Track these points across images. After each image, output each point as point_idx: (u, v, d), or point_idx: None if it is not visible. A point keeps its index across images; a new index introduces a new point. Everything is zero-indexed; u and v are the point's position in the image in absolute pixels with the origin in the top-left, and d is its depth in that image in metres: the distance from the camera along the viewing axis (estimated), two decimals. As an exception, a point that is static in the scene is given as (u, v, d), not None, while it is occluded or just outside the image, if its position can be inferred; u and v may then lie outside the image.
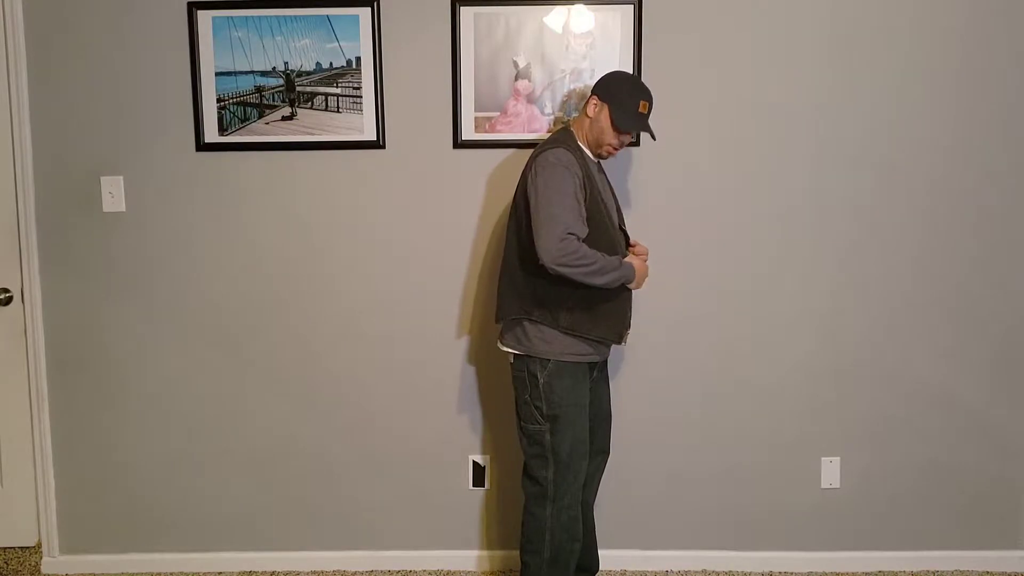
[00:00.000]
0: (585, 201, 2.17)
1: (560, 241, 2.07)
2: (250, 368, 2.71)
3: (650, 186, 2.62)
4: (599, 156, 2.29)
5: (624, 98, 2.22)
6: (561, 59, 2.56)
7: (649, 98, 2.25)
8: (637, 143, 2.58)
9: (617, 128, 2.22)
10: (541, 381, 2.23)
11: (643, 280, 2.30)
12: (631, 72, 2.47)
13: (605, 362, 2.44)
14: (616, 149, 2.27)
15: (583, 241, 2.13)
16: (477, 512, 2.78)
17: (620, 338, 2.29)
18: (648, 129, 2.26)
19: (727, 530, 2.76)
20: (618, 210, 2.36)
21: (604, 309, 2.24)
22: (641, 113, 2.23)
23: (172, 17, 2.57)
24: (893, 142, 2.60)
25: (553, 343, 2.22)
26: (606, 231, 2.22)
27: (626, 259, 2.24)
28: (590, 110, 2.24)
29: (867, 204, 2.62)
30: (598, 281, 2.14)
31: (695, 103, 2.60)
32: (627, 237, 2.37)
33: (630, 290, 2.29)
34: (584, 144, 2.27)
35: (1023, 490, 2.73)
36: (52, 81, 2.61)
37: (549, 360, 2.22)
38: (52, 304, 2.69)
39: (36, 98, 2.62)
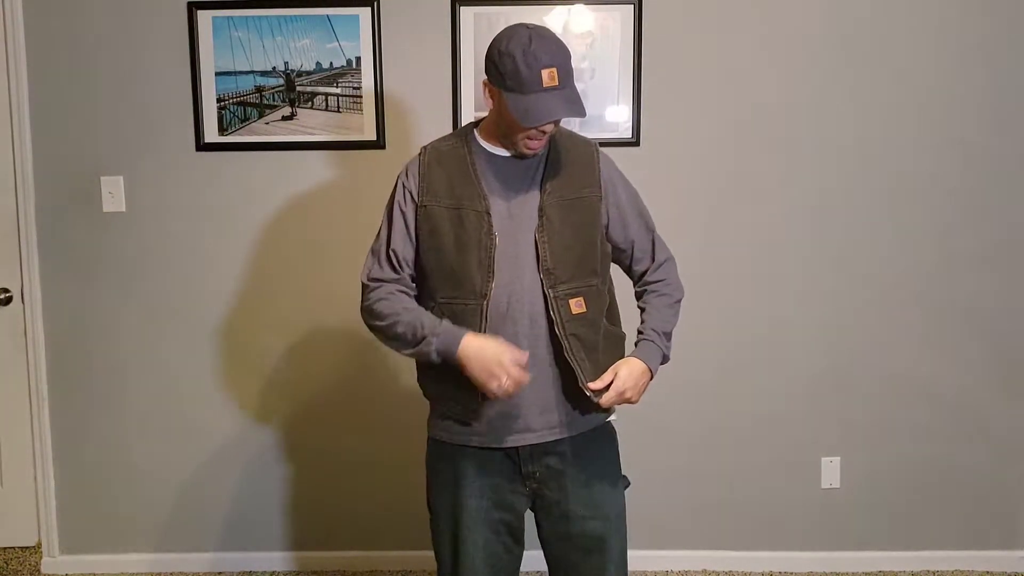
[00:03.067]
0: (416, 219, 1.68)
1: (362, 291, 1.71)
2: (250, 368, 2.71)
3: (649, 187, 2.60)
4: (521, 155, 1.67)
5: (518, 75, 1.57)
6: (561, 59, 2.55)
7: (557, 60, 1.57)
8: (637, 143, 2.58)
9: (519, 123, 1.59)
10: (424, 458, 1.80)
11: (491, 376, 1.55)
12: (536, 31, 1.61)
13: (567, 451, 1.70)
14: (537, 142, 1.64)
15: (420, 279, 1.71)
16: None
17: (474, 412, 1.65)
18: (565, 113, 1.58)
19: (727, 530, 2.76)
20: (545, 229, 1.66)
21: (445, 372, 1.64)
22: (548, 88, 1.56)
23: (172, 17, 2.57)
24: (893, 142, 2.60)
25: (431, 410, 1.77)
26: (458, 253, 1.64)
27: (466, 333, 1.59)
28: (488, 99, 1.67)
29: (868, 204, 2.62)
30: (383, 337, 1.68)
31: (695, 103, 2.60)
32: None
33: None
34: (488, 137, 1.71)
35: (1023, 490, 2.73)
36: (52, 81, 2.60)
37: (428, 434, 1.77)
38: (52, 304, 2.69)
39: (36, 98, 2.61)
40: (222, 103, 2.61)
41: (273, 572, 2.78)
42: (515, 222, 1.66)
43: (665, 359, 1.77)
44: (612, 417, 1.81)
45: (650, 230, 1.83)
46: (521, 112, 1.56)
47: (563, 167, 1.71)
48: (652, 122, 2.58)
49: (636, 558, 2.76)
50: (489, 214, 1.64)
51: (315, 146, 2.62)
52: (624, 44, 2.55)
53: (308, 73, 2.59)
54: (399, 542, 2.78)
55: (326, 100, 2.60)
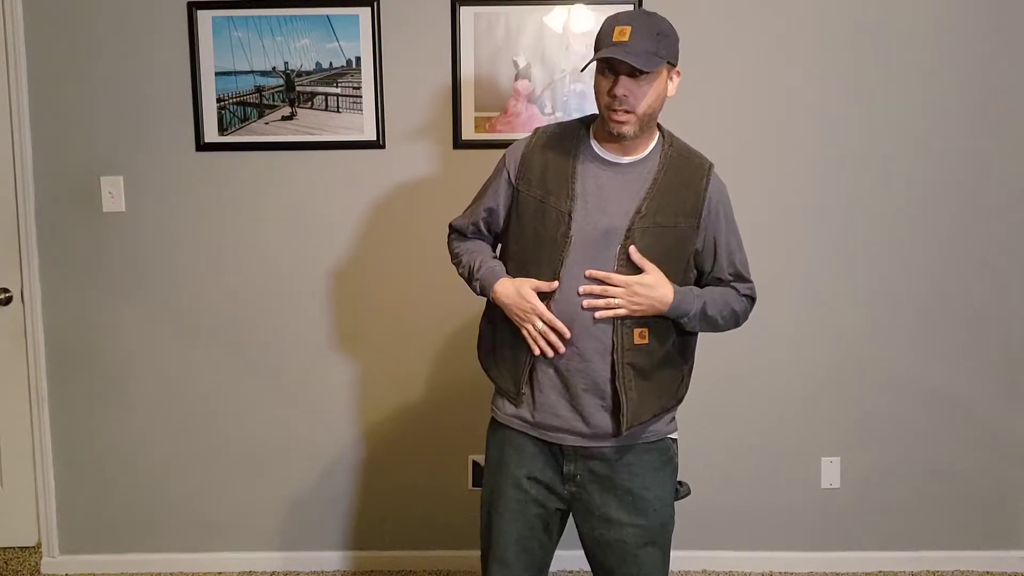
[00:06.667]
0: (513, 191, 1.72)
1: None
2: (250, 368, 2.71)
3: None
4: (618, 133, 1.62)
5: (601, 37, 1.62)
6: (561, 59, 2.56)
7: (635, 22, 1.58)
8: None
9: (598, 74, 1.63)
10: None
11: (522, 317, 1.65)
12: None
13: (614, 465, 1.71)
14: (616, 108, 1.60)
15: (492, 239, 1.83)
16: (477, 512, 2.77)
17: (517, 393, 1.72)
18: (616, 54, 1.55)
19: (727, 530, 2.76)
20: (630, 227, 1.64)
21: (505, 335, 1.73)
22: (616, 43, 1.57)
23: (172, 17, 2.57)
24: (893, 142, 2.60)
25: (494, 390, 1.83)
26: (535, 245, 1.68)
27: (503, 277, 1.70)
28: None
29: (868, 204, 2.62)
30: (465, 278, 1.80)
31: (695, 103, 2.59)
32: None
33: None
34: (598, 133, 1.71)
35: (1023, 490, 2.73)
36: (52, 81, 2.60)
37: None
38: (52, 304, 2.69)
39: (36, 98, 2.61)
40: (222, 103, 2.61)
41: (273, 572, 2.78)
42: (600, 233, 1.64)
43: (687, 320, 1.69)
44: (673, 434, 1.80)
45: (738, 271, 1.79)
46: (597, 58, 1.59)
47: (668, 189, 1.67)
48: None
49: (636, 558, 2.76)
50: (570, 216, 1.64)
51: (315, 146, 2.61)
52: (624, 44, 2.55)
53: (308, 73, 2.59)
54: (399, 542, 2.78)
55: (326, 100, 2.60)
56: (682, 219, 1.68)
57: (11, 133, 2.62)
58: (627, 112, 1.59)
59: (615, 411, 1.67)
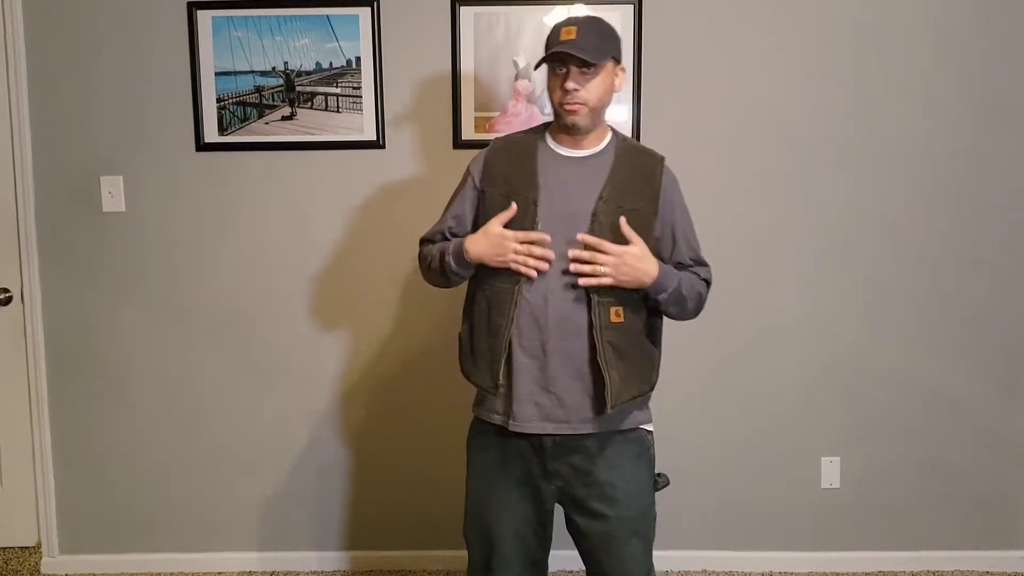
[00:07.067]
0: (479, 194, 1.81)
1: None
2: (250, 368, 2.71)
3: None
4: (572, 124, 1.74)
5: (550, 39, 1.74)
6: (561, 59, 2.55)
7: (579, 22, 1.72)
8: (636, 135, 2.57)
9: (550, 73, 1.74)
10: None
11: (500, 251, 1.69)
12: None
13: (595, 455, 1.75)
14: (566, 102, 1.71)
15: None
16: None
17: (495, 386, 1.74)
18: (567, 48, 1.67)
19: (727, 530, 2.76)
20: (595, 215, 1.72)
21: (480, 334, 1.78)
22: (564, 41, 1.69)
23: (172, 17, 2.57)
24: (892, 142, 2.60)
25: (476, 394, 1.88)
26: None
27: (468, 236, 1.77)
28: None
29: (868, 204, 2.62)
30: (431, 279, 1.87)
31: (695, 103, 2.60)
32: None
33: (504, 318, 1.71)
34: (555, 133, 1.82)
35: (1023, 490, 2.73)
36: (52, 81, 2.60)
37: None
38: (52, 304, 2.69)
39: (36, 98, 2.61)
40: (222, 103, 2.61)
41: (273, 572, 2.78)
42: (566, 221, 1.71)
43: (665, 295, 1.74)
44: (648, 425, 1.83)
45: (696, 257, 1.87)
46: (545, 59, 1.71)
47: (625, 178, 1.77)
48: (652, 122, 2.58)
49: (636, 558, 2.76)
50: (536, 204, 1.72)
51: (315, 146, 2.61)
52: (624, 44, 2.54)
53: (308, 73, 2.59)
54: (399, 542, 2.78)
55: (326, 100, 2.60)
56: (642, 204, 1.76)
57: (11, 133, 2.62)
58: (579, 104, 1.71)
59: (596, 393, 1.71)
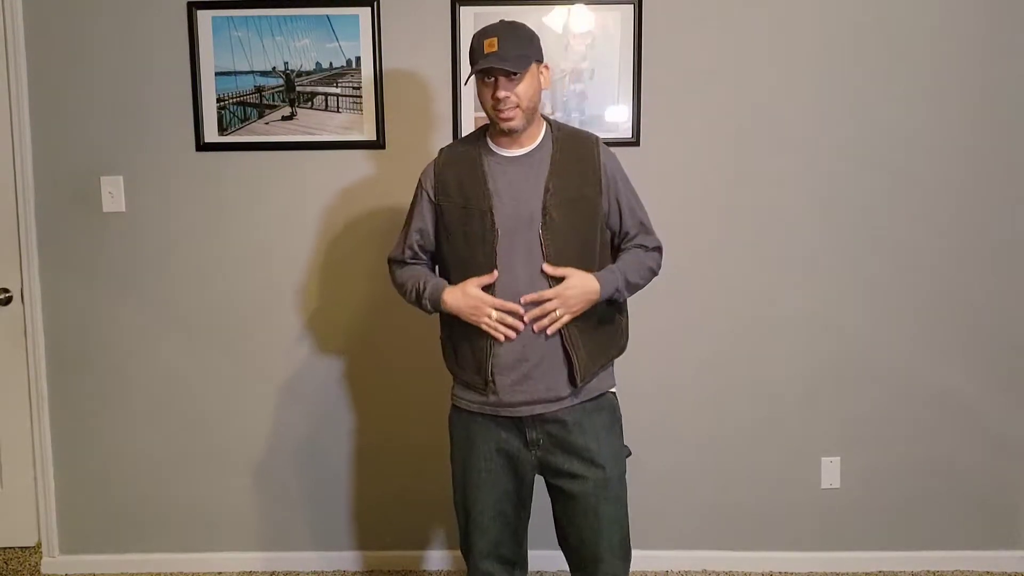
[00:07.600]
0: (436, 207, 1.90)
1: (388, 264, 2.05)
2: (250, 368, 2.71)
3: (649, 186, 2.61)
4: (508, 129, 1.83)
5: (471, 52, 1.84)
6: (561, 59, 2.56)
7: (500, 32, 1.80)
8: (637, 143, 2.58)
9: (479, 83, 1.83)
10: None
11: (475, 313, 1.81)
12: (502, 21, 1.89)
13: (569, 427, 1.87)
14: (502, 108, 1.80)
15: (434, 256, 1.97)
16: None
17: (485, 384, 1.85)
18: (491, 62, 1.76)
19: (727, 530, 2.76)
20: (545, 210, 1.82)
21: (460, 339, 1.90)
22: (488, 54, 1.78)
23: (172, 17, 2.57)
24: (893, 142, 2.60)
25: (454, 382, 1.99)
26: (467, 247, 1.85)
27: (447, 287, 1.86)
28: None
29: (868, 204, 2.62)
30: (415, 304, 1.95)
31: (695, 103, 2.60)
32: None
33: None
34: (495, 137, 1.90)
35: (1023, 490, 2.73)
36: (52, 81, 2.60)
37: (451, 402, 1.99)
38: (52, 304, 2.69)
39: (36, 98, 2.61)
40: (222, 103, 2.61)
41: (273, 572, 2.78)
42: (520, 221, 1.82)
43: (618, 294, 1.89)
44: (613, 388, 1.98)
45: (642, 224, 1.98)
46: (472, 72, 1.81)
47: (566, 166, 1.87)
48: (652, 122, 2.58)
49: (636, 558, 2.76)
50: (492, 212, 1.82)
51: (315, 146, 2.61)
52: (624, 44, 2.55)
53: (308, 73, 2.59)
54: (399, 542, 2.78)
55: (326, 100, 2.60)
56: (587, 188, 1.87)
57: (11, 133, 2.62)
58: (512, 109, 1.80)
59: (568, 370, 1.85)
